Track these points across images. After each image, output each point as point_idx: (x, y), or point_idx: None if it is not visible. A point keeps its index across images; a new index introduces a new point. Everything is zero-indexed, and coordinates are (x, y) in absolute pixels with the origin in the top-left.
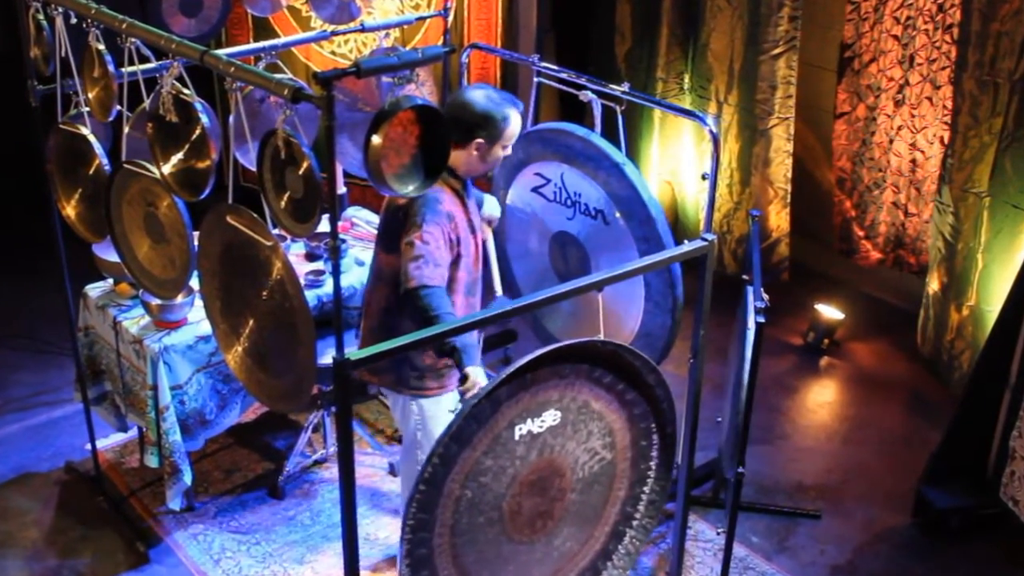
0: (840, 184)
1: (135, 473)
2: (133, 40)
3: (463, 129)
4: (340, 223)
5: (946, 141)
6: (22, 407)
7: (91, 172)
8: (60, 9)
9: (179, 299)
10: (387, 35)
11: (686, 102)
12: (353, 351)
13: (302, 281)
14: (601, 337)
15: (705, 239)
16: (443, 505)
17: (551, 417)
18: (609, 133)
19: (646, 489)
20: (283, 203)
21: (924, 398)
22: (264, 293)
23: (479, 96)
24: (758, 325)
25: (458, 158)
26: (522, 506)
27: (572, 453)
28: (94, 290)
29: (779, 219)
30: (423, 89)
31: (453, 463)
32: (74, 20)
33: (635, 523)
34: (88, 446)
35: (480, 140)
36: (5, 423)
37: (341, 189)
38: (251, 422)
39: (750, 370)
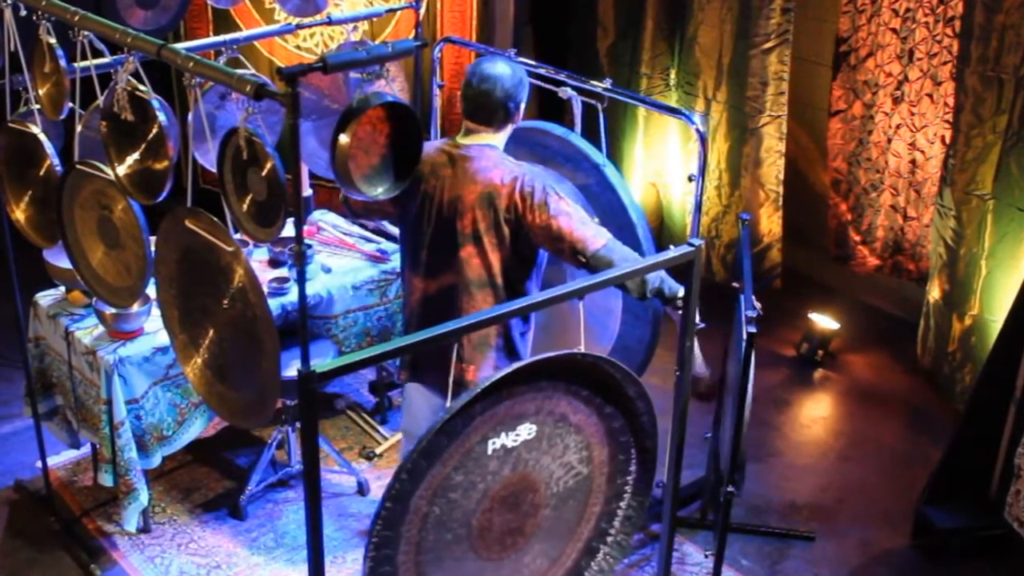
0: (835, 186)
1: (88, 492)
2: (86, 33)
3: (509, 105)
4: (306, 227)
5: (947, 140)
6: None
7: (42, 173)
8: (8, 0)
9: (135, 308)
10: (355, 28)
11: (672, 99)
12: (320, 363)
13: (265, 289)
14: (581, 349)
15: (692, 244)
16: (409, 522)
17: (526, 431)
18: (590, 132)
19: (622, 504)
20: (245, 206)
21: (924, 413)
22: (225, 301)
23: (500, 68)
24: (749, 335)
25: (504, 134)
26: (492, 522)
27: (547, 468)
28: (45, 298)
29: (771, 223)
30: (393, 85)
31: (421, 479)
32: (23, 12)
33: (609, 539)
34: (38, 464)
35: (524, 105)
36: None
37: (307, 191)
38: (211, 438)
39: (740, 383)
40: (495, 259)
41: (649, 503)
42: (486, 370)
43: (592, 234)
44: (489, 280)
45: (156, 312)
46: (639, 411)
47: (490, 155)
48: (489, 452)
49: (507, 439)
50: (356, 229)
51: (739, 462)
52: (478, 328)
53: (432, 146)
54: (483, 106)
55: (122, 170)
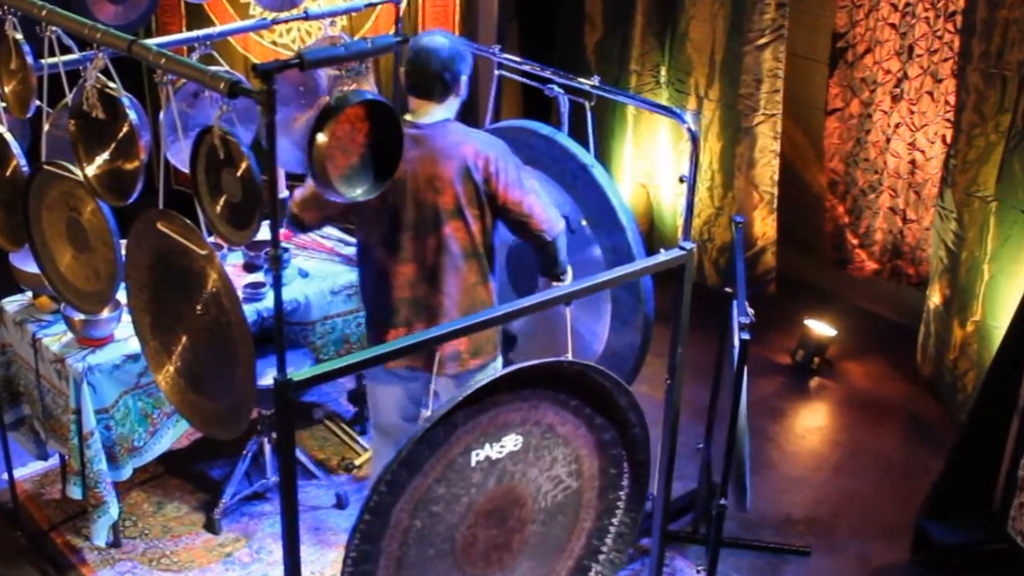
0: (832, 187)
1: (56, 505)
2: (54, 29)
3: (445, 76)
4: (282, 230)
5: (948, 140)
6: None
7: (7, 174)
8: None
9: (105, 314)
10: (333, 23)
11: (663, 97)
12: (297, 371)
13: (240, 294)
14: (568, 356)
15: (684, 248)
16: (390, 536)
17: (511, 442)
18: (577, 132)
19: (615, 521)
20: (219, 208)
21: (924, 423)
22: (198, 307)
23: (437, 40)
24: (742, 342)
25: (452, 107)
26: (477, 538)
27: (534, 481)
28: (11, 304)
29: (765, 226)
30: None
31: (402, 491)
32: None
33: (602, 557)
34: (4, 476)
35: (466, 76)
36: None
37: (283, 193)
38: (184, 449)
39: (734, 391)
40: (477, 230)
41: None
42: (477, 340)
43: (555, 218)
44: (474, 251)
45: (127, 318)
46: (631, 423)
47: (453, 129)
48: (473, 464)
49: (491, 450)
50: (335, 232)
51: (740, 475)
52: (489, 327)
53: None
54: (420, 79)
55: (91, 171)
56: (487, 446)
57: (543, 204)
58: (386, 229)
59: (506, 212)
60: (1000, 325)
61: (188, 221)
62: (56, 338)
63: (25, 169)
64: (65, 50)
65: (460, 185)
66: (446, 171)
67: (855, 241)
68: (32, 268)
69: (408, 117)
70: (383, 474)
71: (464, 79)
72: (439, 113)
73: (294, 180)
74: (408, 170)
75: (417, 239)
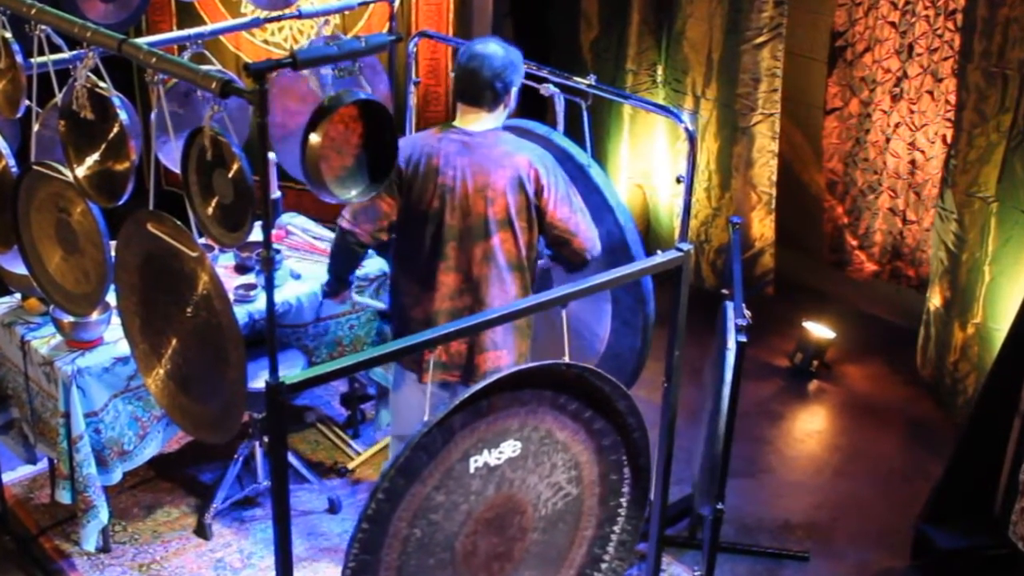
0: (831, 188)
1: (45, 510)
2: (43, 27)
3: (496, 85)
4: (274, 231)
5: (949, 140)
6: None
7: None
8: None
9: (94, 316)
10: (326, 22)
11: (659, 97)
12: (289, 374)
13: (231, 296)
14: (566, 359)
15: (680, 249)
16: (389, 545)
17: (510, 448)
18: (573, 131)
19: (616, 528)
20: (210, 209)
21: (924, 426)
22: (189, 309)
23: (491, 48)
24: (739, 345)
25: (500, 117)
26: (477, 547)
27: (534, 488)
28: None
29: (763, 227)
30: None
31: (400, 499)
32: None
33: (604, 566)
34: None
35: (516, 88)
36: None
37: (275, 193)
38: (175, 453)
39: (730, 395)
40: (524, 242)
41: None
42: (516, 355)
43: (596, 237)
44: (519, 263)
45: (116, 320)
46: (630, 427)
47: (506, 138)
48: (471, 470)
49: (490, 456)
50: (327, 233)
51: (715, 475)
52: (484, 328)
53: (430, 136)
54: (470, 85)
55: (81, 171)
56: (485, 452)
57: (588, 223)
58: (430, 238)
59: (552, 228)
60: (1001, 327)
61: (179, 222)
62: (45, 340)
63: (14, 170)
64: (55, 49)
65: (512, 195)
66: (498, 180)
67: (854, 242)
68: (20, 270)
69: (456, 123)
70: (381, 481)
71: (515, 90)
72: (488, 122)
73: (286, 181)
74: (457, 177)
75: (462, 248)
